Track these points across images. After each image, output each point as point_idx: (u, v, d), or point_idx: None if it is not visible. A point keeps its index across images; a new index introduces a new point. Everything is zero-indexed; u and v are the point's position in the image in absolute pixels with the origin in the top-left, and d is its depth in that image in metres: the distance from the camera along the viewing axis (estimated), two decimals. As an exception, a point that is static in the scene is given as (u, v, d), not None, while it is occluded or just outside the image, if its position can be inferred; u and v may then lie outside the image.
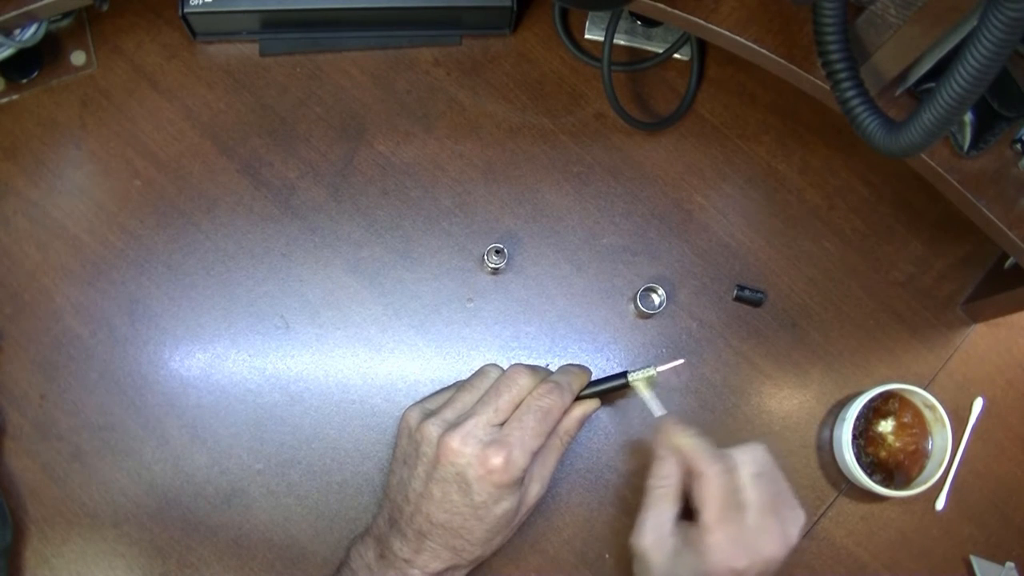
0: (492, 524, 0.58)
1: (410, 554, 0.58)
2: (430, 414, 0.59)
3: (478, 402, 0.59)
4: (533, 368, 0.60)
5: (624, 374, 0.63)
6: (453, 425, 0.57)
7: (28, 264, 0.68)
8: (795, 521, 0.58)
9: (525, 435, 0.57)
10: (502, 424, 0.58)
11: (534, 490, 0.60)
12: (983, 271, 0.72)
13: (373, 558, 0.59)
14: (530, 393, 0.59)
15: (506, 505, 0.57)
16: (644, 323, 0.70)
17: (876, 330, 0.71)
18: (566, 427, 0.62)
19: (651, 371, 0.63)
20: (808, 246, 0.72)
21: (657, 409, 0.61)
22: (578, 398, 0.62)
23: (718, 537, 0.55)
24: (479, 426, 0.57)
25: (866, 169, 0.73)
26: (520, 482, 0.58)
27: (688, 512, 0.58)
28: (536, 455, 0.58)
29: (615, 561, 0.67)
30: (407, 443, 0.60)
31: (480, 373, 0.62)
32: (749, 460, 0.57)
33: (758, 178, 0.73)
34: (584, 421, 0.63)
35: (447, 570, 0.58)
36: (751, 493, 0.56)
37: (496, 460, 0.56)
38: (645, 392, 0.62)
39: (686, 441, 0.58)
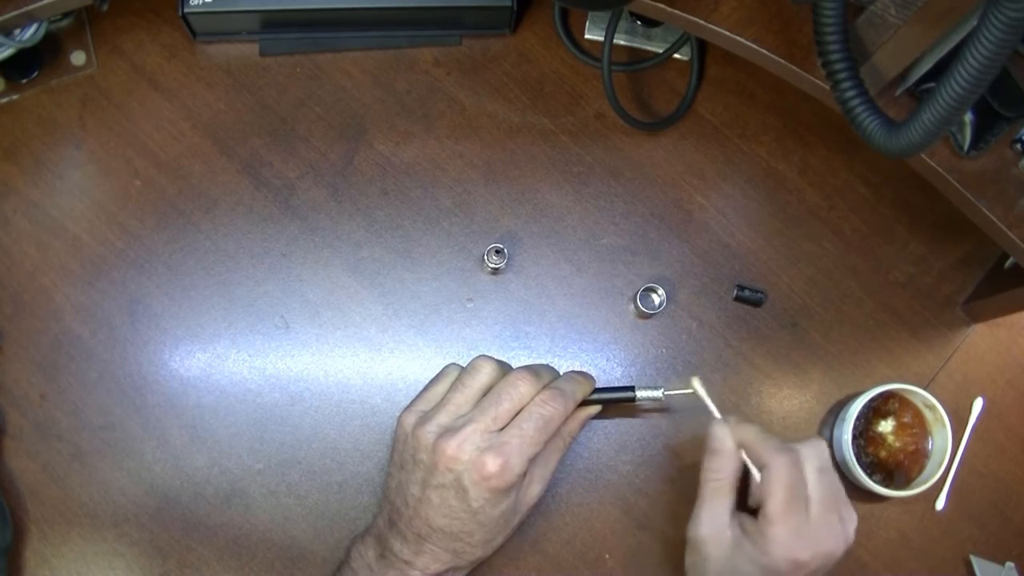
0: (491, 527, 0.58)
1: (410, 556, 0.58)
2: (424, 418, 0.59)
3: (476, 408, 0.58)
4: (535, 373, 0.59)
5: (632, 388, 0.63)
6: (449, 430, 0.57)
7: (28, 264, 0.68)
8: (852, 520, 0.58)
9: (524, 442, 0.57)
10: (501, 430, 0.57)
11: (534, 491, 0.60)
12: (983, 271, 0.72)
13: (373, 558, 0.59)
14: (532, 399, 0.58)
15: (503, 507, 0.57)
16: (644, 323, 0.70)
17: (876, 330, 0.71)
18: (569, 429, 0.62)
19: (659, 392, 0.63)
20: (808, 246, 0.72)
21: (716, 412, 0.60)
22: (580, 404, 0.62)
23: (782, 528, 0.55)
24: (476, 432, 0.56)
25: (866, 169, 0.73)
26: (516, 486, 0.58)
27: (742, 506, 0.59)
28: (535, 458, 0.58)
29: (615, 561, 0.67)
30: (403, 448, 0.60)
31: (472, 369, 0.60)
32: (814, 455, 0.57)
33: (758, 178, 0.73)
34: (586, 423, 0.63)
35: (447, 571, 0.58)
36: (815, 488, 0.56)
37: (492, 466, 0.55)
38: (703, 393, 0.61)
39: (751, 435, 0.58)
